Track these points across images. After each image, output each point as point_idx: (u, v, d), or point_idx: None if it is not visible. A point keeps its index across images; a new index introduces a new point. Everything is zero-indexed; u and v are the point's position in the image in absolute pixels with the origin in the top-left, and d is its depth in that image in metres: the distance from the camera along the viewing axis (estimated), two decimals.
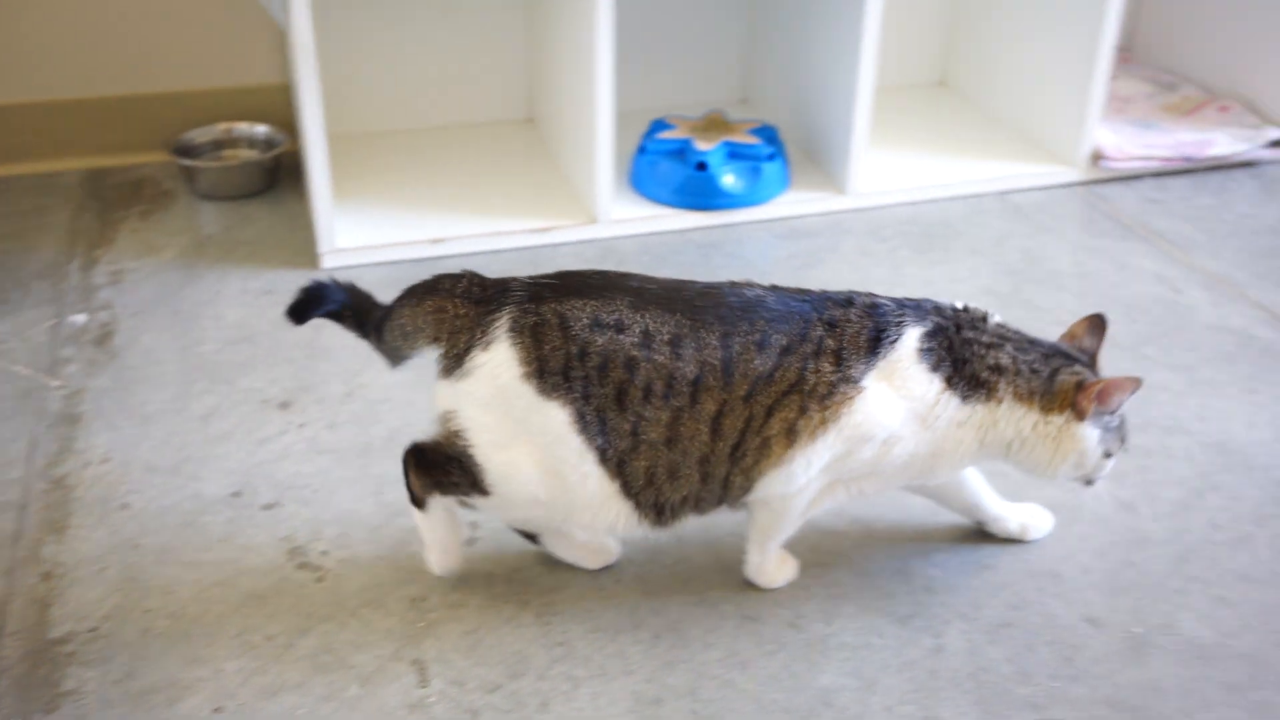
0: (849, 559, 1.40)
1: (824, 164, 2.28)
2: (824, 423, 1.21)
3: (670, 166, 2.15)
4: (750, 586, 1.36)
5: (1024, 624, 1.31)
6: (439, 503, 1.30)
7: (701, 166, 2.12)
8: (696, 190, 2.13)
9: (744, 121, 2.26)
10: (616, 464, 1.21)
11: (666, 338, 1.20)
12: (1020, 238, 2.14)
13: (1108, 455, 1.28)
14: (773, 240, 2.13)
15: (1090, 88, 2.25)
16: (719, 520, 1.44)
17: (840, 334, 1.22)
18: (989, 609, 1.33)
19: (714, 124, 2.24)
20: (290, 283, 1.68)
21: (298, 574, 1.37)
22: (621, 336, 1.20)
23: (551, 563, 1.39)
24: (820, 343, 1.21)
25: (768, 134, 2.21)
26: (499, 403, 1.21)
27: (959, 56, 2.69)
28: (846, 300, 1.25)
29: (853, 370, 1.21)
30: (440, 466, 1.26)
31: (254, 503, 1.48)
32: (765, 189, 2.16)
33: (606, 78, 1.99)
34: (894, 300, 1.27)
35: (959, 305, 1.28)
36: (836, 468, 1.25)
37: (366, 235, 2.05)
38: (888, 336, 1.22)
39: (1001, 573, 1.38)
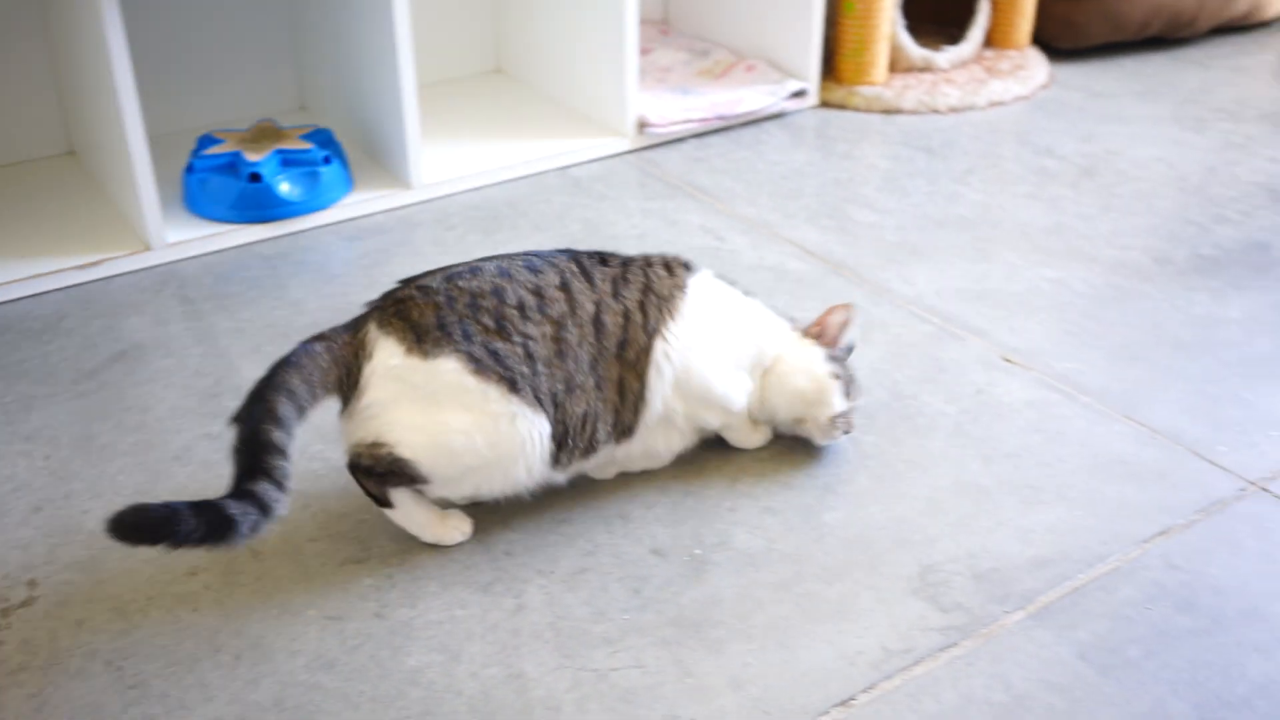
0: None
1: (385, 161, 2.30)
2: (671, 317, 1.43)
3: (222, 181, 2.09)
4: (332, 586, 1.36)
5: (598, 567, 1.39)
6: (400, 492, 1.37)
7: (255, 178, 2.08)
8: (253, 202, 2.09)
9: (296, 128, 2.23)
10: (532, 393, 1.32)
11: (521, 263, 1.38)
12: (581, 209, 2.24)
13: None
14: (341, 242, 2.13)
15: (624, 61, 2.39)
16: (301, 527, 1.44)
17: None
18: (565, 560, 1.41)
19: (265, 133, 2.20)
20: None
21: None
22: (480, 275, 1.35)
23: (121, 606, 1.33)
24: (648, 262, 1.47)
25: (322, 137, 2.20)
26: (403, 393, 1.30)
27: (510, 44, 2.78)
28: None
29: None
30: (380, 472, 1.34)
31: None
32: (326, 193, 2.15)
33: (130, 99, 1.91)
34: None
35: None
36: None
37: None
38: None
39: (575, 524, 1.46)
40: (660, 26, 2.98)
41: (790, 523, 1.46)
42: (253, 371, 1.71)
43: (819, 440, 1.56)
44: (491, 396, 1.30)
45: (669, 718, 1.20)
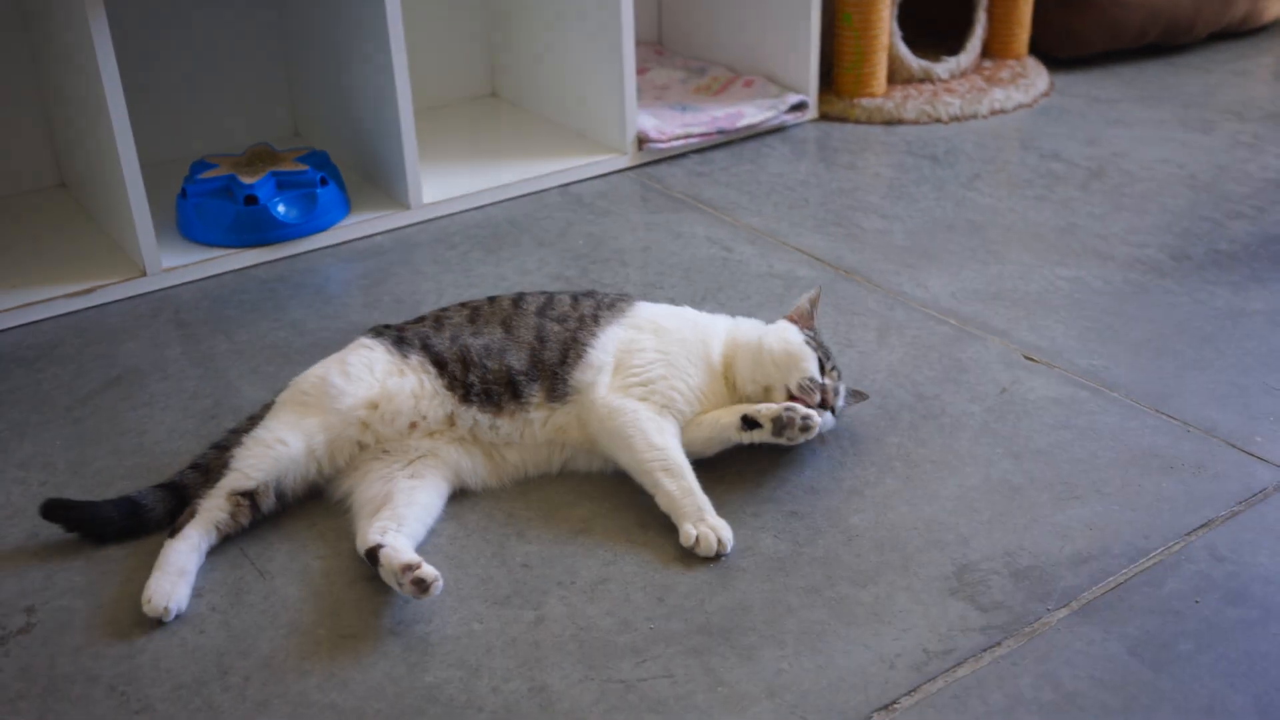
0: (444, 553, 1.38)
1: (383, 183, 2.26)
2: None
3: (217, 205, 2.04)
4: (343, 604, 1.30)
5: (619, 577, 1.34)
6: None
7: (252, 200, 2.04)
8: (250, 225, 2.04)
9: (291, 150, 2.19)
10: (418, 341, 1.50)
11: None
12: (584, 224, 2.20)
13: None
14: (340, 264, 2.08)
15: (623, 76, 2.36)
16: (308, 545, 1.38)
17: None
18: (585, 570, 1.35)
19: (259, 156, 2.16)
20: None
21: None
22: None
23: (123, 630, 1.27)
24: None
25: (317, 159, 2.16)
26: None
27: (505, 68, 2.75)
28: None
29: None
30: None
31: None
32: (323, 215, 2.11)
33: (123, 120, 1.88)
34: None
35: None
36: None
37: None
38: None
39: (594, 534, 1.40)
40: (655, 47, 2.95)
41: (817, 526, 1.41)
42: (253, 392, 1.67)
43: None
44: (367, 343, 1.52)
45: None
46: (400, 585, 1.28)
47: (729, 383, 1.52)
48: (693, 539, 1.35)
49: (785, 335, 1.51)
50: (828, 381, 1.49)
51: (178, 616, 1.28)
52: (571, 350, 1.49)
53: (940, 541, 1.37)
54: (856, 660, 1.21)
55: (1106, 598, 1.28)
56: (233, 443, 1.45)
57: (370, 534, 1.34)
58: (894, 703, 1.16)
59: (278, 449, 1.41)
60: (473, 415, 1.46)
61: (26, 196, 2.30)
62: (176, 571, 1.31)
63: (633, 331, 1.52)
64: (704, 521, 1.36)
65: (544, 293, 1.58)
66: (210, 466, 1.44)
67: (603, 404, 1.44)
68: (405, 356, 1.48)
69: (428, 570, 1.27)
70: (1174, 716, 1.14)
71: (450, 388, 1.47)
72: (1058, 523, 1.40)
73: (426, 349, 1.49)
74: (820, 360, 1.49)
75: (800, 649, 1.23)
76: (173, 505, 1.42)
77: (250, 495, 1.39)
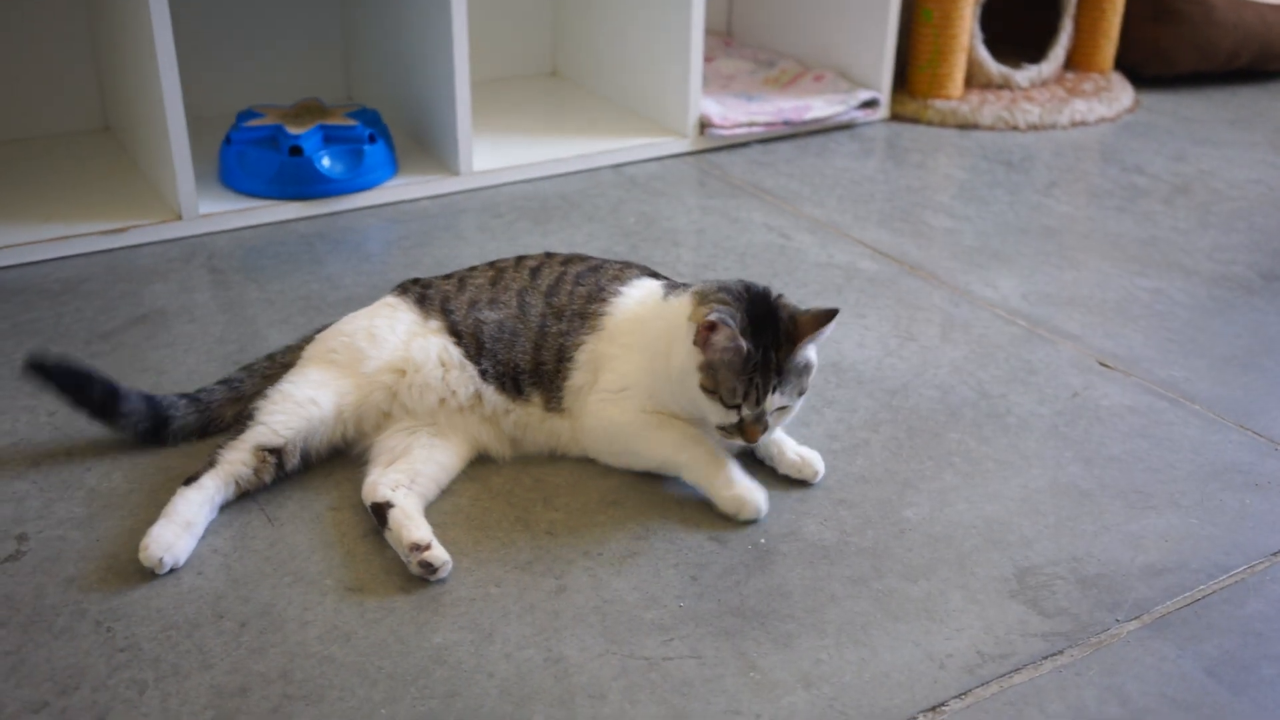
0: (464, 514, 1.29)
1: (434, 149, 2.19)
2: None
3: (261, 155, 1.98)
4: (354, 557, 1.21)
5: (650, 551, 1.24)
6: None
7: (296, 151, 1.97)
8: (293, 177, 1.97)
9: (340, 106, 2.12)
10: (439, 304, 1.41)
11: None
12: (637, 203, 2.11)
13: (711, 396, 1.25)
14: (383, 225, 2.00)
15: (689, 60, 2.27)
16: (321, 494, 1.30)
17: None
18: (614, 542, 1.25)
19: (308, 110, 2.09)
20: None
21: None
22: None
23: (119, 566, 1.19)
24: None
25: (368, 116, 2.09)
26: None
27: (567, 47, 2.67)
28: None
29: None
30: None
31: None
32: (370, 173, 2.03)
33: (170, 65, 1.83)
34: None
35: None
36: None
37: None
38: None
39: (626, 507, 1.31)
40: (724, 38, 2.87)
41: (867, 516, 1.30)
42: (281, 340, 1.59)
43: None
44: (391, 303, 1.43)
45: (730, 713, 1.04)
46: (407, 561, 1.19)
47: None
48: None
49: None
50: (747, 414, 1.26)
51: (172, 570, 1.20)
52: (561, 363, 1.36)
53: (1001, 542, 1.26)
54: (903, 657, 1.10)
55: (1182, 613, 1.17)
56: (258, 376, 1.40)
57: (380, 487, 1.25)
58: (942, 704, 1.05)
59: (309, 409, 1.32)
60: (492, 395, 1.36)
61: (71, 137, 2.25)
62: (182, 523, 1.22)
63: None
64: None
65: (561, 262, 1.44)
66: (244, 391, 1.39)
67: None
68: (427, 319, 1.39)
69: (438, 554, 1.18)
70: None
71: (470, 358, 1.36)
72: (1130, 532, 1.28)
73: (445, 314, 1.38)
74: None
75: (842, 640, 1.12)
76: (190, 420, 1.39)
77: (278, 453, 1.30)
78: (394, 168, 2.10)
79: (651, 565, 1.22)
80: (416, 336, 1.37)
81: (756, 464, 1.36)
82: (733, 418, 1.25)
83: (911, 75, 2.58)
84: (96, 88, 2.26)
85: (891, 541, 1.26)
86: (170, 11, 1.80)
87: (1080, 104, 2.56)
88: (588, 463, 1.37)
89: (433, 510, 1.28)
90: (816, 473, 1.35)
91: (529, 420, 1.37)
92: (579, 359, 1.35)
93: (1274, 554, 1.25)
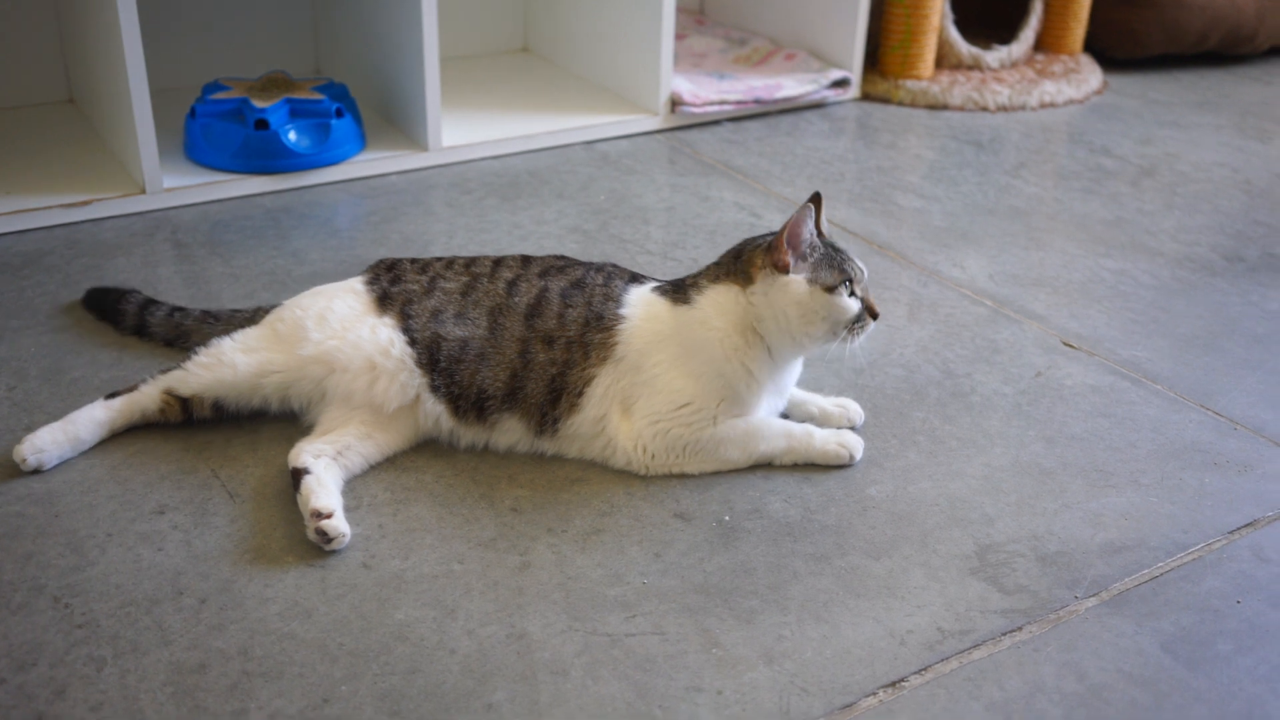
0: (428, 491, 1.28)
1: (402, 124, 2.17)
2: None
3: (226, 128, 1.96)
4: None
5: (614, 528, 1.24)
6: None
7: (262, 124, 1.95)
8: (259, 151, 1.95)
9: (308, 80, 2.10)
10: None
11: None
12: (607, 180, 2.11)
13: (836, 291, 1.28)
14: (350, 199, 1.99)
15: (661, 37, 2.26)
16: (283, 470, 1.29)
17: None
18: (579, 519, 1.25)
19: (275, 83, 2.07)
20: None
21: None
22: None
23: (77, 542, 1.18)
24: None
25: (335, 90, 2.06)
26: None
27: (539, 24, 2.66)
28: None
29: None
30: None
31: None
32: (337, 147, 2.02)
33: (134, 38, 1.80)
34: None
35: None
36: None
37: None
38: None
39: (591, 484, 1.31)
40: (696, 16, 2.86)
41: (831, 494, 1.31)
42: None
43: None
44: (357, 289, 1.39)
45: (692, 689, 1.04)
46: (307, 526, 1.20)
47: None
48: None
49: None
50: (859, 290, 1.35)
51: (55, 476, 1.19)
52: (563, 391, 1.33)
53: (963, 519, 1.27)
54: (864, 633, 1.11)
55: (1140, 590, 1.18)
56: (233, 322, 1.45)
57: (304, 454, 1.26)
58: (902, 680, 1.06)
59: (222, 371, 1.34)
60: (434, 408, 1.32)
61: (35, 109, 2.22)
62: (68, 436, 1.30)
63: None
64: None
65: (539, 273, 1.37)
66: (220, 318, 1.48)
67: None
68: (382, 316, 1.34)
69: (336, 524, 1.19)
70: (1209, 718, 1.04)
71: (420, 366, 1.32)
72: (1091, 510, 1.29)
73: (404, 318, 1.33)
74: None
75: (804, 617, 1.13)
76: (167, 333, 1.51)
77: (184, 402, 1.35)
78: (362, 142, 2.08)
79: (615, 542, 1.22)
80: (366, 331, 1.33)
81: (757, 465, 1.37)
82: (855, 306, 1.30)
83: (883, 55, 2.58)
84: (60, 59, 2.23)
85: (854, 519, 1.27)
86: None
87: (1049, 85, 2.57)
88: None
89: (396, 485, 1.28)
90: (855, 420, 1.43)
91: (498, 441, 1.34)
92: (593, 393, 1.31)
93: (1231, 532, 1.27)
